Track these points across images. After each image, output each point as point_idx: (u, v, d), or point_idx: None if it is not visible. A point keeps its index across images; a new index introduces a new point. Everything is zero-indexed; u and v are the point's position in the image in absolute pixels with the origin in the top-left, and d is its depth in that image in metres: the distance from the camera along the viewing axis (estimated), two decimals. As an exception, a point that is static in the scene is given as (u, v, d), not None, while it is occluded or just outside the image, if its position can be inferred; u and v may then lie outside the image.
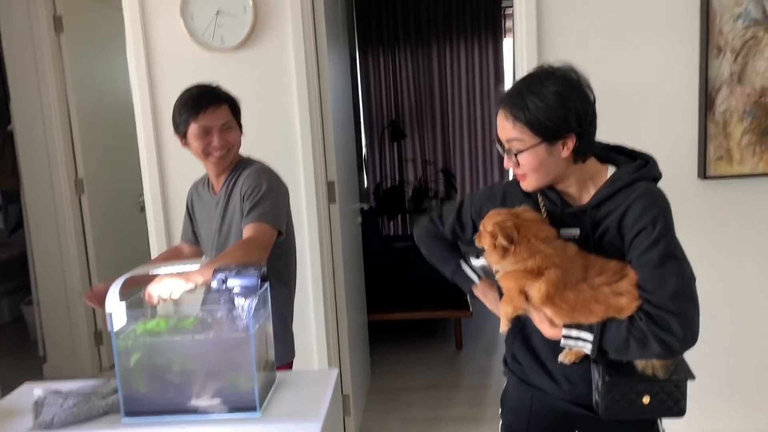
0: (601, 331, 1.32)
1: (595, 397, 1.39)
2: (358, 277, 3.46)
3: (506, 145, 1.39)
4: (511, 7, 5.79)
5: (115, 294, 1.41)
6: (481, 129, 6.13)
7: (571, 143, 1.35)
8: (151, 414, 1.39)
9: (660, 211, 1.33)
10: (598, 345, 1.32)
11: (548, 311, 1.36)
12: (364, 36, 6.07)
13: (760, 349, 2.60)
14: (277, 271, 1.89)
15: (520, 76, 2.49)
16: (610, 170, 1.42)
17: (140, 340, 1.40)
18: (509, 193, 1.52)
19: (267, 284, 1.50)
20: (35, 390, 1.51)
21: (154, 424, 1.37)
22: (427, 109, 6.17)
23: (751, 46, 2.36)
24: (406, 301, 4.24)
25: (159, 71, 2.66)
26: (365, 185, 6.14)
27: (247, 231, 1.73)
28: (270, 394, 1.48)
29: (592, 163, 1.42)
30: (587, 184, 1.42)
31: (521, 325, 1.52)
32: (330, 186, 2.77)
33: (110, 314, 1.37)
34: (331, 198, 2.78)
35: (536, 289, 1.34)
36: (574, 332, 1.35)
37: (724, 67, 2.38)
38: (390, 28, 6.05)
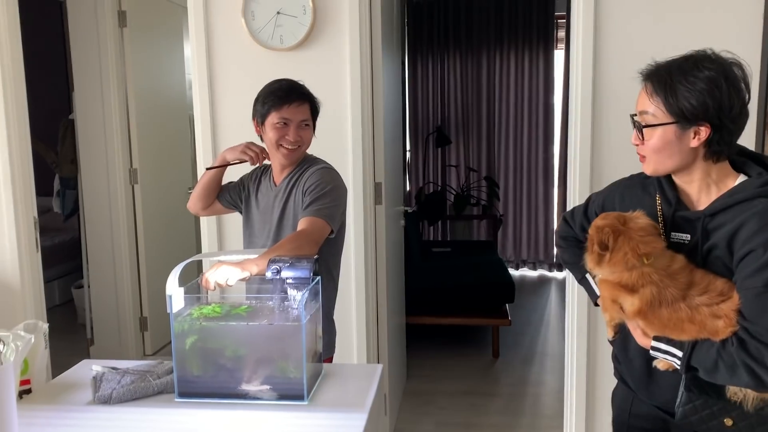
0: (690, 349, 1.28)
1: (677, 403, 1.35)
2: (399, 279, 3.49)
3: (639, 119, 1.35)
4: (564, 18, 5.79)
5: (175, 278, 1.46)
6: (527, 138, 6.10)
7: (704, 133, 1.28)
8: (203, 396, 1.45)
9: None
10: (687, 363, 1.28)
11: (641, 323, 1.34)
12: (414, 41, 6.12)
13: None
14: (328, 266, 1.94)
15: (574, 86, 2.50)
16: (740, 180, 1.33)
17: (196, 324, 1.45)
18: (627, 191, 1.49)
19: (318, 277, 1.54)
20: (93, 366, 1.59)
21: (205, 405, 1.42)
22: (473, 117, 6.18)
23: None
24: (444, 307, 4.25)
25: (218, 68, 2.74)
26: (408, 189, 6.17)
27: (302, 224, 1.78)
28: (317, 384, 1.52)
29: (723, 166, 1.34)
30: (711, 188, 1.34)
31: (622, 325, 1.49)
32: (377, 187, 2.81)
33: (170, 297, 1.43)
34: (377, 199, 2.82)
35: (629, 303, 1.32)
36: (663, 346, 1.32)
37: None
38: (440, 34, 6.08)
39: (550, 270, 6.31)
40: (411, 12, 6.04)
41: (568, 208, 2.61)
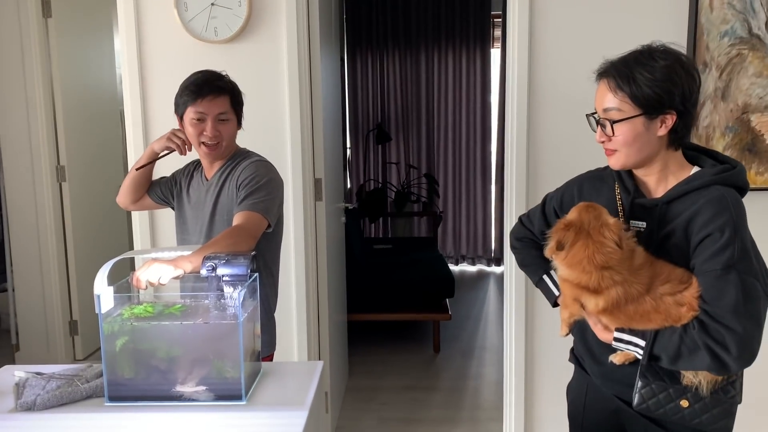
0: (653, 338, 1.30)
1: (634, 391, 1.37)
2: (340, 276, 3.47)
3: (602, 116, 1.37)
4: (500, 17, 5.88)
5: (103, 277, 1.40)
6: (466, 136, 6.18)
7: (670, 121, 1.32)
8: (134, 399, 1.39)
9: (730, 218, 1.26)
10: (650, 351, 1.31)
11: (604, 319, 1.35)
12: (353, 38, 6.09)
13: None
14: (266, 262, 1.90)
15: (510, 84, 2.54)
16: (695, 170, 1.39)
17: (126, 324, 1.39)
18: (586, 183, 1.53)
19: (256, 274, 1.51)
20: (16, 372, 1.50)
21: (138, 408, 1.37)
22: (413, 114, 6.21)
23: (736, 63, 2.42)
24: (385, 303, 4.26)
25: (150, 60, 2.64)
26: (348, 186, 6.15)
27: (238, 218, 1.73)
28: (255, 383, 1.48)
29: (679, 157, 1.40)
30: (668, 178, 1.39)
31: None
32: (317, 183, 2.78)
33: (98, 296, 1.37)
34: (317, 195, 2.79)
35: (593, 303, 1.33)
36: (626, 336, 1.34)
37: (709, 82, 2.43)
38: (379, 31, 6.07)
39: (488, 265, 6.41)
40: (349, 8, 6.02)
41: (506, 204, 2.66)
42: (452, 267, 6.27)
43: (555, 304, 1.61)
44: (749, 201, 2.38)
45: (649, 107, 1.32)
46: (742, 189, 1.37)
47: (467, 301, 5.31)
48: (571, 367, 1.67)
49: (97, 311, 1.37)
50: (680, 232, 1.32)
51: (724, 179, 1.34)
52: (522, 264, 1.70)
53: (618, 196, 1.44)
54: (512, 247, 1.72)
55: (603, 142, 1.39)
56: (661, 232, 1.35)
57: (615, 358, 1.43)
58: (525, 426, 2.69)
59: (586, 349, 1.53)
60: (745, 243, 1.27)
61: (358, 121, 6.25)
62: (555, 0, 2.47)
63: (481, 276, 6.18)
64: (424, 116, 6.20)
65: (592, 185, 1.52)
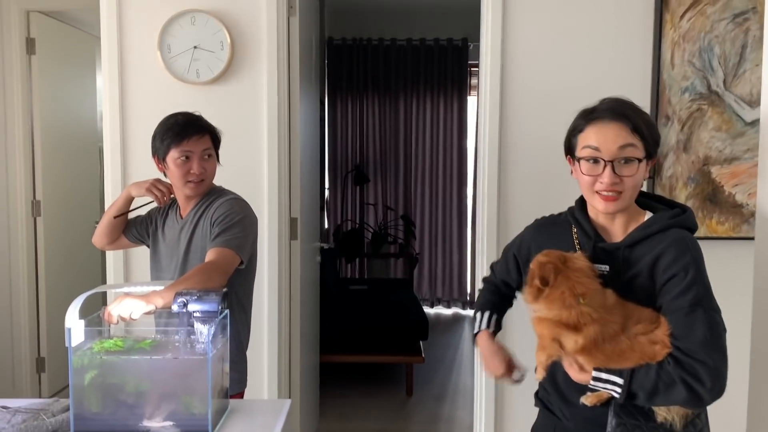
0: (630, 375, 1.33)
1: (608, 429, 1.39)
2: (314, 316, 3.47)
3: (615, 155, 1.37)
4: (477, 66, 6.04)
5: (75, 311, 1.41)
6: (442, 179, 6.28)
7: (651, 165, 1.42)
8: (100, 434, 1.39)
9: (692, 259, 1.34)
10: (628, 389, 1.33)
11: (581, 359, 1.37)
12: (334, 82, 6.22)
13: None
14: (239, 298, 1.92)
15: (483, 131, 2.62)
16: (648, 216, 1.46)
17: (96, 358, 1.40)
18: (542, 231, 1.56)
19: (227, 311, 1.53)
20: (-20, 406, 1.49)
21: (103, 444, 1.37)
22: (390, 157, 6.31)
23: (696, 117, 2.54)
24: (359, 345, 4.25)
25: (131, 99, 2.69)
26: (326, 226, 6.19)
27: (210, 254, 1.76)
28: (222, 420, 1.49)
29: (634, 203, 1.45)
30: (629, 224, 1.45)
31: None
32: (293, 222, 2.81)
33: (68, 329, 1.38)
34: (293, 234, 2.82)
35: (572, 342, 1.34)
36: (604, 375, 1.36)
37: (671, 134, 2.55)
38: (359, 77, 6.21)
39: (464, 308, 6.44)
40: (331, 53, 6.16)
41: (479, 247, 2.72)
42: (428, 309, 6.29)
43: (474, 338, 1.67)
44: (710, 249, 2.47)
45: (651, 152, 1.40)
46: (693, 230, 1.44)
47: (441, 343, 5.32)
48: (539, 409, 1.69)
49: (67, 344, 1.38)
50: (646, 274, 1.37)
51: (680, 222, 1.41)
52: (476, 304, 1.74)
53: (576, 241, 1.48)
54: (477, 297, 1.78)
55: (615, 183, 1.38)
56: (627, 275, 1.40)
57: (587, 400, 1.44)
58: (494, 470, 2.69)
59: (556, 392, 1.55)
60: (707, 281, 1.35)
61: (337, 163, 6.33)
62: (525, 56, 2.58)
63: (456, 319, 6.20)
64: (402, 159, 6.31)
65: (548, 231, 1.56)
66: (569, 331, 1.34)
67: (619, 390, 1.34)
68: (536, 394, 1.67)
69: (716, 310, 1.33)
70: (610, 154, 1.37)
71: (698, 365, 1.27)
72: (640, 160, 1.38)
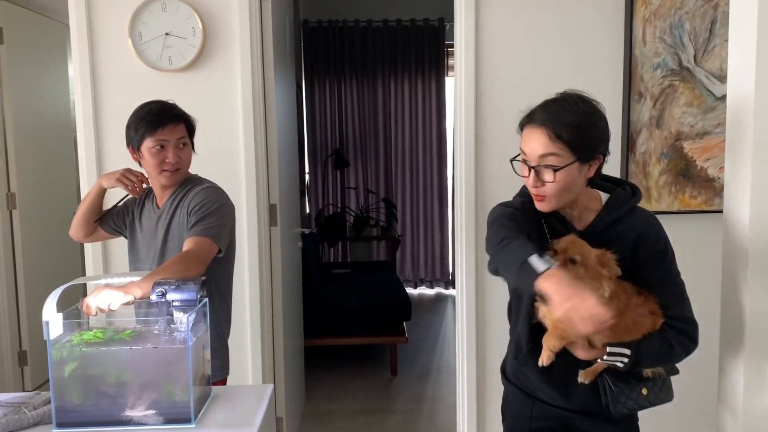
0: (638, 345, 1.45)
1: (605, 401, 1.51)
2: (297, 301, 3.48)
3: (537, 162, 1.40)
4: (454, 47, 6.02)
5: (52, 304, 1.41)
6: (422, 161, 6.29)
7: (596, 164, 1.45)
8: (83, 425, 1.39)
9: (663, 233, 1.51)
10: (635, 357, 1.45)
11: (597, 337, 1.44)
12: (311, 66, 6.17)
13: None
14: (219, 287, 1.92)
15: (460, 111, 2.64)
16: (603, 196, 1.52)
17: (76, 350, 1.40)
18: (523, 215, 1.51)
19: (206, 299, 1.53)
20: (-39, 401, 1.49)
21: (86, 434, 1.37)
22: (370, 140, 6.30)
23: (668, 93, 2.56)
24: (343, 327, 4.28)
25: (103, 88, 2.66)
26: (307, 211, 6.18)
27: (188, 244, 1.76)
28: (205, 406, 1.50)
29: (586, 188, 1.50)
30: (587, 210, 1.50)
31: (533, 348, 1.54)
32: (272, 208, 2.81)
33: (46, 323, 1.38)
34: (272, 220, 2.82)
35: (600, 294, 1.38)
36: (616, 349, 1.45)
37: (644, 111, 2.57)
38: (336, 59, 6.17)
39: (446, 288, 6.49)
40: (307, 36, 6.11)
41: (458, 224, 2.74)
42: (411, 290, 6.33)
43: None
44: (684, 223, 2.52)
45: (584, 154, 1.40)
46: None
47: (425, 323, 5.37)
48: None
49: (45, 337, 1.38)
50: (627, 253, 1.45)
51: (638, 200, 1.52)
52: (500, 263, 1.43)
53: (546, 228, 1.51)
54: (502, 245, 1.42)
55: (537, 187, 1.42)
56: None
57: (585, 377, 1.52)
58: (478, 445, 2.74)
59: (549, 382, 1.55)
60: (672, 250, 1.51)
61: (317, 147, 6.31)
62: (499, 35, 2.59)
63: (439, 299, 6.25)
64: (381, 142, 6.30)
65: (525, 218, 1.50)
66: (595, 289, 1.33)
67: (626, 360, 1.45)
68: (503, 374, 1.71)
69: (680, 274, 1.52)
70: (534, 160, 1.42)
71: (690, 328, 1.48)
72: (558, 168, 1.37)
